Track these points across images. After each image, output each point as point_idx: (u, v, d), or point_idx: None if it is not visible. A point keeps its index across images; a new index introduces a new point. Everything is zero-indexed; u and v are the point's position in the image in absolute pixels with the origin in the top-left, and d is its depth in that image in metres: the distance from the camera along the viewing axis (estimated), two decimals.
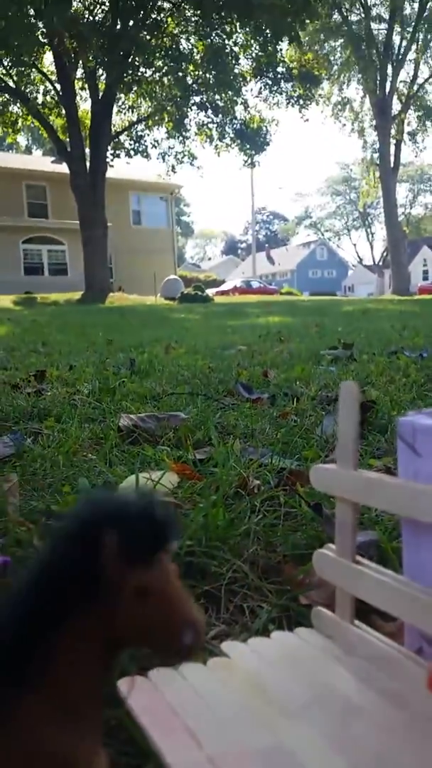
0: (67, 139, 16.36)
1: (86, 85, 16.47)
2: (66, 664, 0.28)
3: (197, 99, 16.98)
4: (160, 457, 1.12)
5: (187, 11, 15.83)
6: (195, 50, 16.44)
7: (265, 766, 0.37)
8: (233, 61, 16.42)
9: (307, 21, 16.68)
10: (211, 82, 15.96)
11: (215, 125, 17.66)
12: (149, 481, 0.87)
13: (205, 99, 16.91)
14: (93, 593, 0.28)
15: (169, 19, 16.05)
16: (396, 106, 26.00)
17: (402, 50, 25.20)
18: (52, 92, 16.71)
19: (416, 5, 24.48)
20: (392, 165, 26.04)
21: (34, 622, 0.28)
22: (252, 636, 0.55)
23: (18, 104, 16.62)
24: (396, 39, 25.15)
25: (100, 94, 16.10)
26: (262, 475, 0.98)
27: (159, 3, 15.64)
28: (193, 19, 16.03)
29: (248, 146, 18.06)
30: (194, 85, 16.46)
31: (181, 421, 1.42)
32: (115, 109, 16.99)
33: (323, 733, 0.41)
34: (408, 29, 24.82)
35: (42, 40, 14.13)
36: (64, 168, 18.25)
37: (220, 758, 0.38)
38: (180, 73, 15.87)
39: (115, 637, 0.29)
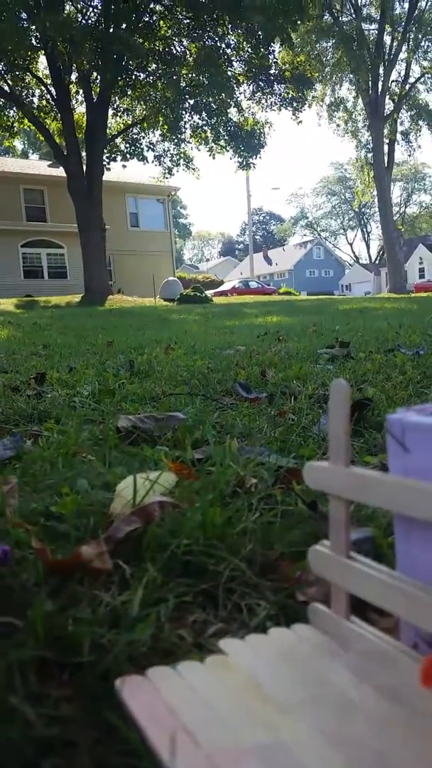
0: (63, 143, 16.37)
1: (81, 89, 16.50)
2: None
3: (191, 101, 17.00)
4: (158, 457, 1.12)
5: (179, 14, 15.85)
6: (188, 53, 16.47)
7: (262, 763, 0.37)
8: (226, 64, 16.44)
9: (299, 22, 16.69)
10: (204, 84, 15.97)
11: (210, 127, 17.68)
12: (147, 480, 0.88)
13: (198, 101, 16.92)
14: None
15: (162, 22, 16.07)
16: (389, 105, 26.05)
17: (393, 50, 25.30)
18: (48, 96, 16.73)
19: (406, 5, 24.57)
20: (386, 164, 26.12)
21: None
22: (250, 633, 0.55)
23: (14, 108, 16.64)
24: (387, 39, 25.29)
25: (95, 97, 16.12)
26: (259, 474, 0.98)
27: (151, 6, 15.65)
28: (185, 21, 16.04)
29: (242, 148, 18.08)
30: (188, 88, 16.47)
31: (180, 422, 1.42)
32: (110, 112, 17.01)
33: (320, 729, 0.41)
34: (399, 29, 24.87)
35: (35, 45, 14.13)
36: (61, 172, 18.29)
37: (217, 756, 0.38)
38: (173, 76, 15.89)
39: None
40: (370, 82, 25.19)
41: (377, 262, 50.40)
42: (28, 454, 1.20)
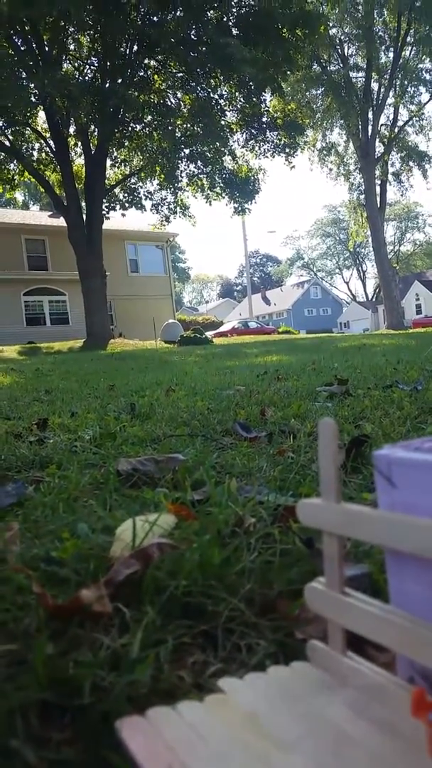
0: (63, 194, 16.80)
1: (79, 142, 17.01)
2: None
3: (186, 151, 17.51)
4: (158, 499, 1.13)
5: (172, 68, 16.46)
6: (182, 104, 17.05)
7: None
8: (219, 114, 16.99)
9: (288, 72, 17.30)
10: (199, 134, 16.48)
11: (205, 175, 18.17)
12: (146, 523, 0.89)
13: (194, 150, 17.43)
14: None
15: (156, 76, 16.70)
16: (379, 148, 26.81)
17: (381, 96, 26.15)
18: (47, 149, 17.25)
19: (391, 54, 25.47)
20: (378, 205, 26.69)
21: None
22: (249, 672, 0.55)
23: (14, 162, 17.14)
24: (374, 85, 26.17)
25: (93, 149, 16.61)
26: (257, 513, 0.99)
27: (145, 61, 16.27)
28: (178, 75, 16.65)
29: (238, 195, 18.54)
30: (183, 138, 16.99)
31: (180, 463, 1.43)
32: (108, 163, 17.51)
33: (316, 764, 0.41)
34: (385, 76, 25.77)
35: (34, 101, 14.66)
36: (61, 221, 18.72)
37: None
38: (169, 127, 16.41)
39: None
40: (360, 127, 25.99)
41: (374, 299, 50.91)
42: (30, 500, 1.21)
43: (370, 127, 26.13)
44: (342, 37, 25.91)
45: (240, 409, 2.44)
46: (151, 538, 0.85)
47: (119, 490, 1.27)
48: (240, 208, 19.02)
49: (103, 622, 0.67)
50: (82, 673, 0.55)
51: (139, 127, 17.11)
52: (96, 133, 16.44)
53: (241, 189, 18.53)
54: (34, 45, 15.08)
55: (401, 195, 32.42)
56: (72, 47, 16.58)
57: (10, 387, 5.09)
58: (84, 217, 16.76)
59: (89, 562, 0.82)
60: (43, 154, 17.65)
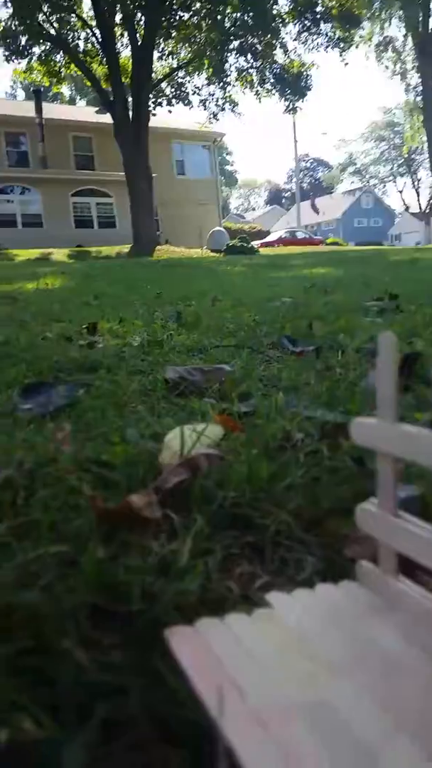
0: (110, 88, 16.11)
1: (126, 31, 16.10)
2: None
3: (236, 43, 16.43)
4: (205, 409, 1.12)
5: None
6: None
7: (308, 721, 0.38)
8: (271, 2, 15.71)
9: None
10: (249, 24, 15.36)
11: (255, 70, 17.12)
12: (194, 432, 0.88)
13: (243, 43, 16.34)
14: None
15: None
16: None
17: None
18: (93, 39, 16.41)
19: None
20: None
21: None
22: (296, 588, 0.55)
23: (60, 53, 16.42)
24: None
25: (140, 40, 15.71)
26: (305, 429, 0.97)
27: None
28: None
29: (289, 91, 17.46)
30: (232, 28, 15.90)
31: (227, 374, 1.42)
32: (155, 55, 16.58)
33: (366, 689, 0.41)
34: None
35: None
36: (106, 119, 18.04)
37: (264, 711, 0.38)
38: (218, 16, 15.31)
39: None
40: (419, 20, 23.59)
41: (428, 210, 48.24)
42: (81, 403, 1.23)
43: (431, 20, 23.69)
44: None
45: (287, 322, 2.39)
46: (198, 448, 0.84)
47: (167, 397, 1.27)
48: (291, 107, 17.97)
49: (152, 528, 0.68)
50: (132, 579, 0.56)
51: (187, 16, 16.01)
52: (142, 23, 15.47)
53: (293, 86, 17.43)
54: None
55: None
56: None
57: (60, 290, 5.13)
58: (130, 113, 16.10)
59: (138, 468, 0.82)
60: (90, 45, 16.80)
